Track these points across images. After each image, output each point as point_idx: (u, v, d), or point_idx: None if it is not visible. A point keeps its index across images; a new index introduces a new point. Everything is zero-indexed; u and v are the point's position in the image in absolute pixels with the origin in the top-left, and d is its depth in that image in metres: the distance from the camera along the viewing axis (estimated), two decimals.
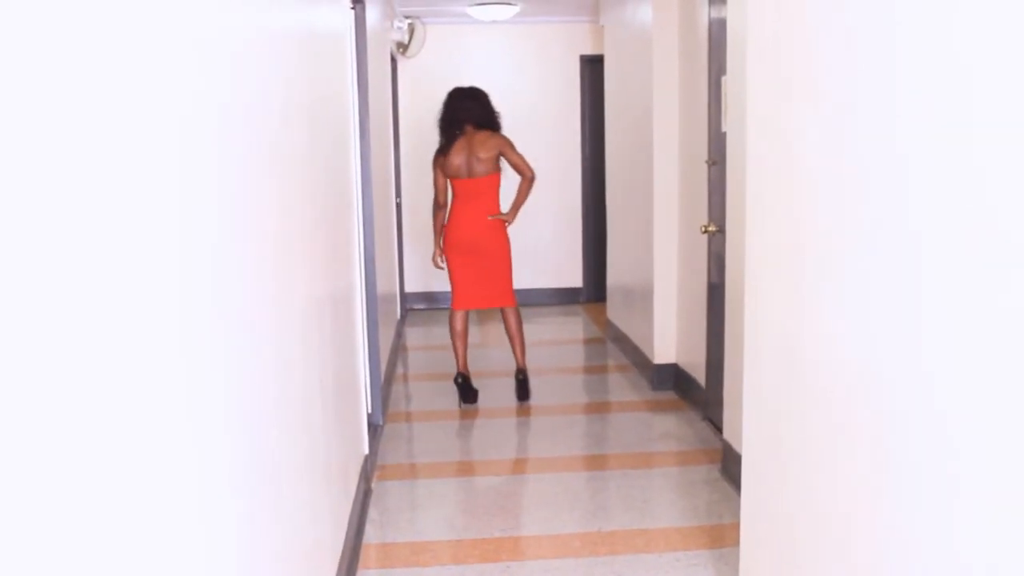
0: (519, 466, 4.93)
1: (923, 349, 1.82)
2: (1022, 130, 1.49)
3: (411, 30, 8.62)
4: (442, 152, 5.81)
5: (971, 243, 1.64)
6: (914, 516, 1.88)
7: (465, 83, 6.20)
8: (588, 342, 8.03)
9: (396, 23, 8.18)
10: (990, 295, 1.59)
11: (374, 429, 4.93)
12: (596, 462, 4.94)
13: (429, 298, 9.38)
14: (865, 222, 2.07)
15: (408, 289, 9.27)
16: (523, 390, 6.00)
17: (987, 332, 1.60)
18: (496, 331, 7.67)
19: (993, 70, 1.57)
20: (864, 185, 2.07)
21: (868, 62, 2.04)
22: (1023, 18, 1.49)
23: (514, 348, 6.07)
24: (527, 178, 5.75)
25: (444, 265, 5.94)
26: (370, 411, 4.91)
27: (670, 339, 6.10)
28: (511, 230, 6.01)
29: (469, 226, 5.81)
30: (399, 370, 7.01)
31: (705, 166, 5.17)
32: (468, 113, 5.78)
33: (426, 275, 9.30)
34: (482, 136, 5.72)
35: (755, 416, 2.91)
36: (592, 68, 9.08)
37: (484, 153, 5.68)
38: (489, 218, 5.78)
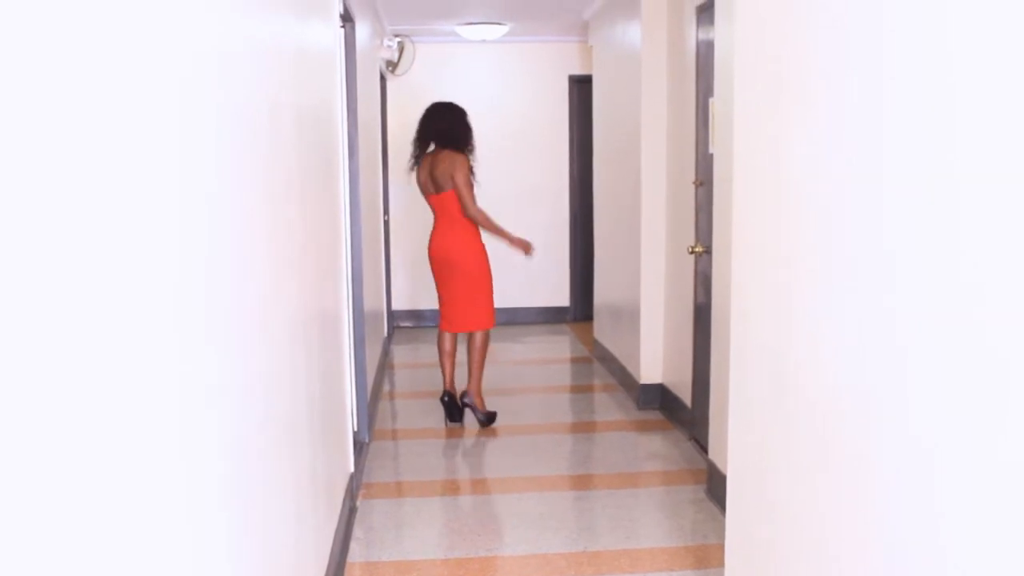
0: (505, 485, 4.92)
1: (905, 370, 1.83)
2: (999, 161, 1.51)
3: (401, 48, 8.64)
4: (413, 167, 5.87)
5: (946, 267, 1.66)
6: (898, 539, 1.89)
7: (454, 102, 6.19)
8: (575, 361, 8.03)
9: (386, 41, 8.21)
10: (963, 316, 1.60)
11: (360, 447, 4.91)
12: (582, 482, 4.94)
13: (416, 316, 9.38)
14: (850, 243, 2.08)
15: (395, 307, 9.27)
16: (458, 412, 5.92)
17: (962, 352, 1.61)
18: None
19: (976, 101, 1.59)
20: (849, 207, 2.08)
21: (855, 85, 2.05)
22: (1008, 43, 1.51)
23: (470, 366, 5.92)
24: (465, 213, 5.66)
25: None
26: (356, 429, 4.90)
27: (656, 359, 6.11)
28: (493, 249, 5.99)
29: (437, 242, 5.83)
30: (385, 388, 7.00)
31: (692, 187, 5.19)
32: (435, 130, 5.75)
33: (413, 293, 9.30)
34: (443, 154, 5.66)
35: (741, 437, 2.91)
36: (581, 88, 9.12)
37: (438, 171, 5.64)
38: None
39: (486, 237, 5.82)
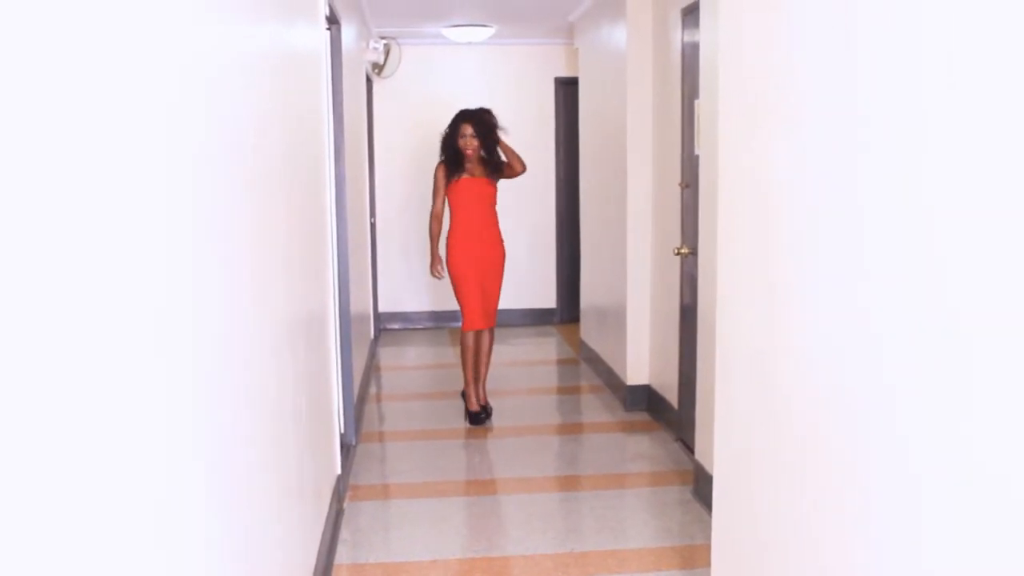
0: (492, 487, 4.93)
1: (884, 370, 1.85)
2: (972, 163, 1.52)
3: (387, 51, 8.64)
4: None
5: (922, 272, 1.67)
6: (882, 536, 1.90)
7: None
8: (561, 363, 8.04)
9: (372, 44, 8.21)
10: (939, 319, 1.61)
11: (347, 449, 4.91)
12: (569, 483, 4.95)
13: (403, 318, 9.37)
14: (831, 246, 2.09)
15: (382, 309, 9.26)
16: (485, 413, 6.05)
17: (939, 353, 1.63)
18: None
19: (953, 100, 1.60)
20: (830, 211, 2.10)
21: (837, 87, 2.07)
22: (983, 46, 1.52)
23: (481, 367, 6.11)
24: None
25: None
26: (343, 431, 4.90)
27: (643, 360, 6.13)
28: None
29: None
30: (372, 390, 6.99)
31: (678, 188, 5.21)
32: None
33: (401, 295, 9.30)
34: None
35: (726, 437, 2.93)
36: (567, 90, 9.14)
37: None
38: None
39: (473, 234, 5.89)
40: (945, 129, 1.64)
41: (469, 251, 5.92)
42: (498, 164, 5.95)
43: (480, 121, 5.87)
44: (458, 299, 6.00)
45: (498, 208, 6.07)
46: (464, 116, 5.91)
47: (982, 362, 1.54)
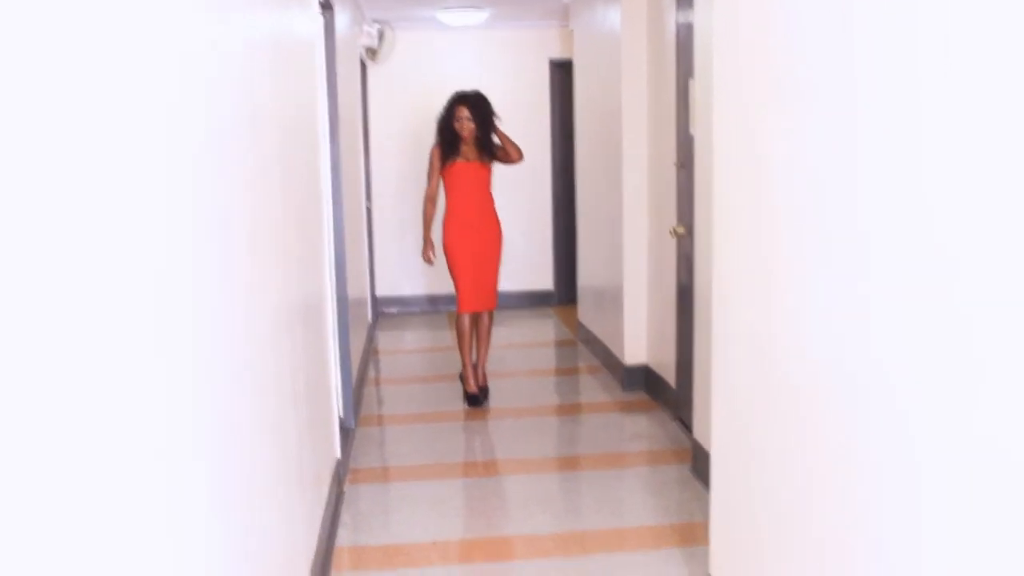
0: (491, 468, 4.95)
1: (877, 346, 1.86)
2: (967, 142, 1.53)
3: (381, 35, 8.62)
4: None
5: (918, 251, 1.68)
6: (878, 512, 1.92)
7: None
8: (559, 344, 8.06)
9: (366, 28, 8.18)
10: (936, 299, 1.63)
11: (346, 433, 4.93)
12: (568, 463, 4.97)
13: (401, 302, 9.38)
14: (826, 227, 2.11)
15: (380, 293, 9.27)
16: (483, 391, 6.10)
17: (937, 332, 1.64)
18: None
19: (949, 78, 1.61)
20: (826, 186, 2.11)
21: (834, 64, 2.08)
22: (980, 21, 1.53)
23: (480, 349, 6.15)
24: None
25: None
26: (342, 415, 4.92)
27: (640, 340, 6.14)
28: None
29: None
30: (371, 374, 7.01)
31: (674, 168, 5.21)
32: None
33: (398, 279, 9.30)
34: None
35: (724, 415, 2.95)
36: (562, 72, 9.12)
37: None
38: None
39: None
40: (942, 105, 1.65)
41: (464, 234, 5.93)
42: (493, 147, 5.95)
43: (476, 104, 5.88)
44: (453, 282, 6.02)
45: (494, 191, 6.08)
46: (460, 98, 5.92)
47: (980, 336, 1.55)
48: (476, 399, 5.99)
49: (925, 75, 1.68)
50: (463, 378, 6.11)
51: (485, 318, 6.12)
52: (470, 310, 6.01)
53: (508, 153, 5.98)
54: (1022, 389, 1.43)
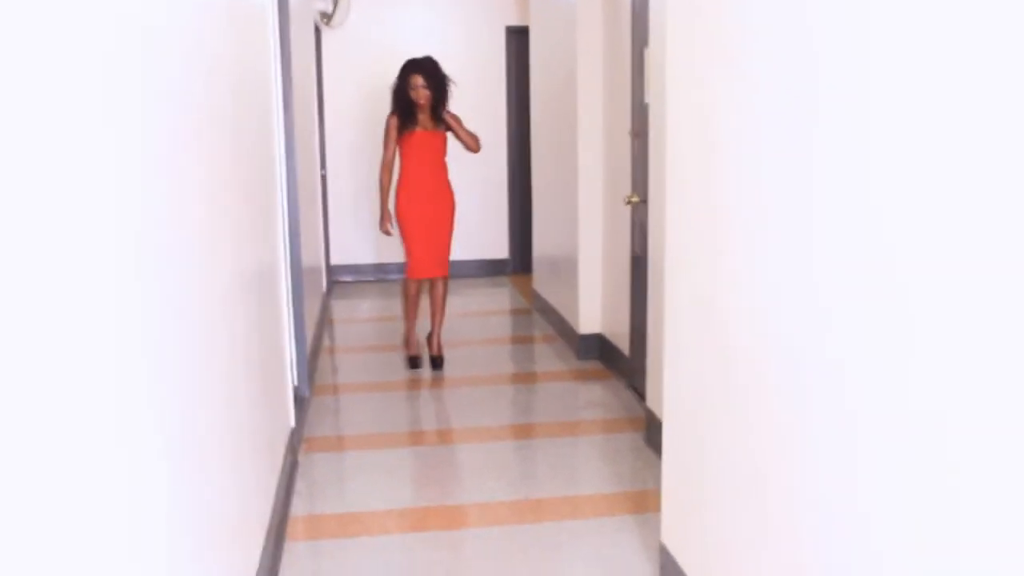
0: (446, 436, 4.96)
1: (822, 312, 1.89)
2: (918, 114, 1.55)
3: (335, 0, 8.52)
4: None
5: (863, 218, 1.70)
6: (824, 478, 1.95)
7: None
8: (514, 313, 8.08)
9: None
10: (877, 263, 1.65)
11: (301, 401, 4.91)
12: (523, 431, 5.00)
13: (355, 270, 9.34)
14: (774, 193, 2.12)
15: (334, 262, 9.22)
16: (439, 360, 6.16)
17: (878, 297, 1.66)
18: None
19: (898, 59, 1.63)
20: (775, 150, 2.12)
21: (779, 36, 2.08)
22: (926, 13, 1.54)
23: (435, 318, 6.20)
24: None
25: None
26: (296, 384, 4.90)
27: (595, 309, 6.17)
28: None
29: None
30: (325, 342, 6.98)
31: (628, 137, 5.22)
32: None
33: (353, 248, 9.25)
34: None
35: (674, 384, 2.97)
36: (518, 39, 9.08)
37: None
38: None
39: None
40: (893, 74, 1.66)
41: (418, 202, 5.95)
42: (446, 119, 5.95)
43: (431, 71, 5.85)
44: (404, 247, 6.07)
45: (449, 159, 6.06)
46: (414, 67, 5.88)
47: (916, 300, 1.58)
48: (416, 361, 6.14)
49: (875, 48, 1.70)
50: (406, 342, 6.23)
51: (440, 286, 6.13)
52: (419, 276, 6.07)
53: (465, 142, 5.98)
54: (953, 363, 1.46)
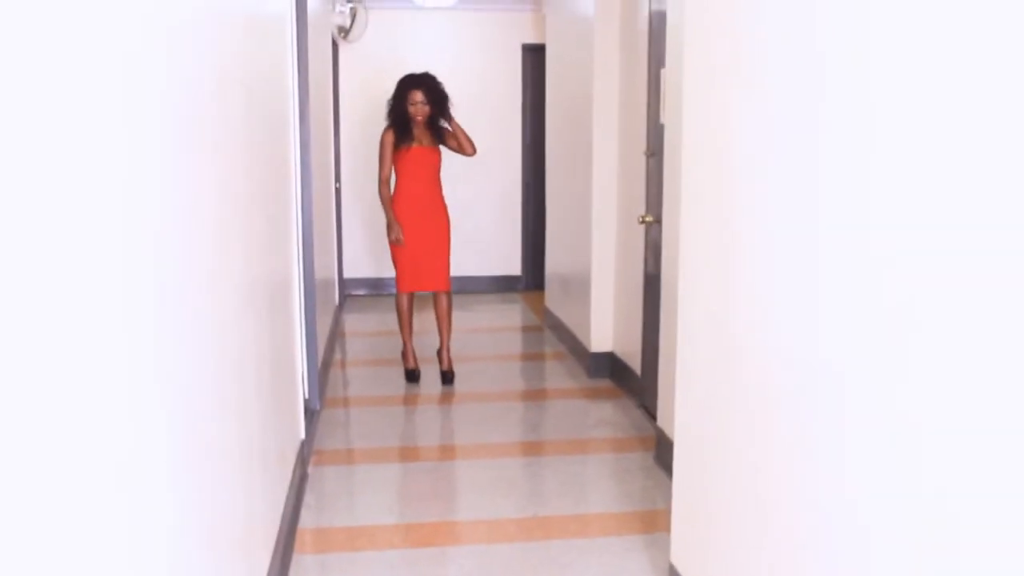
0: (456, 452, 4.96)
1: (825, 340, 1.88)
2: (926, 131, 1.55)
3: (353, 14, 8.56)
4: None
5: (862, 245, 1.70)
6: (836, 503, 1.94)
7: (406, 69, 6.23)
8: (526, 330, 8.07)
9: (338, 7, 8.13)
10: (877, 293, 1.65)
11: (311, 414, 4.92)
12: (532, 448, 4.99)
13: (368, 284, 9.35)
14: (785, 208, 2.12)
15: (347, 275, 9.23)
16: (449, 375, 6.13)
17: (874, 324, 1.66)
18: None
19: (907, 75, 1.63)
20: (784, 171, 2.12)
21: (795, 51, 2.09)
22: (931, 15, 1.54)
23: (443, 332, 6.18)
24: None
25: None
26: (307, 396, 4.90)
27: (607, 327, 6.16)
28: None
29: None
30: (337, 356, 6.99)
31: (643, 157, 5.22)
32: None
33: (366, 261, 9.27)
34: None
35: (686, 404, 2.97)
36: (534, 57, 9.10)
37: None
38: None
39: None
40: (903, 99, 1.66)
41: (411, 218, 5.96)
42: (443, 132, 5.96)
43: (431, 87, 5.86)
44: (393, 262, 6.10)
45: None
46: (413, 82, 5.90)
47: (925, 324, 1.57)
48: (414, 375, 6.15)
49: (875, 74, 1.70)
50: (403, 355, 6.24)
51: (443, 301, 6.12)
52: (408, 290, 6.09)
53: (461, 145, 5.97)
54: (947, 379, 1.46)
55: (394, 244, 6.02)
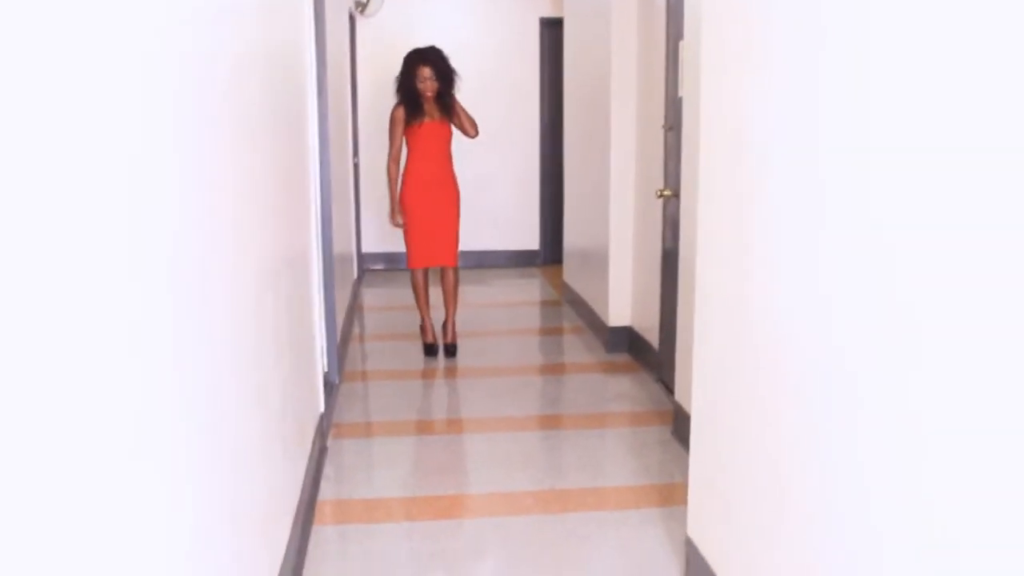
0: (474, 425, 4.98)
1: (837, 317, 1.88)
2: (931, 114, 1.54)
3: None
4: None
5: (872, 230, 1.70)
6: (857, 473, 1.95)
7: (422, 43, 6.22)
8: (544, 304, 8.08)
9: None
10: (892, 259, 1.65)
11: (330, 388, 4.95)
12: (550, 422, 5.01)
13: (387, 259, 9.37)
14: (793, 184, 2.12)
15: (365, 250, 9.26)
16: (452, 348, 6.20)
17: (883, 305, 1.66)
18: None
19: (919, 62, 1.62)
20: (793, 147, 2.11)
21: (799, 33, 2.08)
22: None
23: (448, 307, 6.23)
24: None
25: None
26: (326, 370, 4.93)
27: (625, 302, 6.17)
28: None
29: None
30: (356, 330, 7.02)
31: (661, 131, 5.21)
32: None
33: (385, 236, 9.29)
34: None
35: (704, 378, 2.97)
36: (552, 31, 9.07)
37: None
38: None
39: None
40: (908, 88, 1.65)
41: (422, 193, 6.00)
42: (450, 105, 5.96)
43: (438, 62, 5.87)
44: (404, 237, 6.13)
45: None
46: (421, 58, 5.90)
47: (929, 305, 1.57)
48: (432, 349, 6.20)
49: (875, 51, 1.69)
50: (422, 329, 6.29)
51: (450, 276, 6.17)
52: (420, 265, 6.13)
53: (464, 126, 5.98)
54: (958, 368, 1.46)
55: (395, 227, 6.08)
